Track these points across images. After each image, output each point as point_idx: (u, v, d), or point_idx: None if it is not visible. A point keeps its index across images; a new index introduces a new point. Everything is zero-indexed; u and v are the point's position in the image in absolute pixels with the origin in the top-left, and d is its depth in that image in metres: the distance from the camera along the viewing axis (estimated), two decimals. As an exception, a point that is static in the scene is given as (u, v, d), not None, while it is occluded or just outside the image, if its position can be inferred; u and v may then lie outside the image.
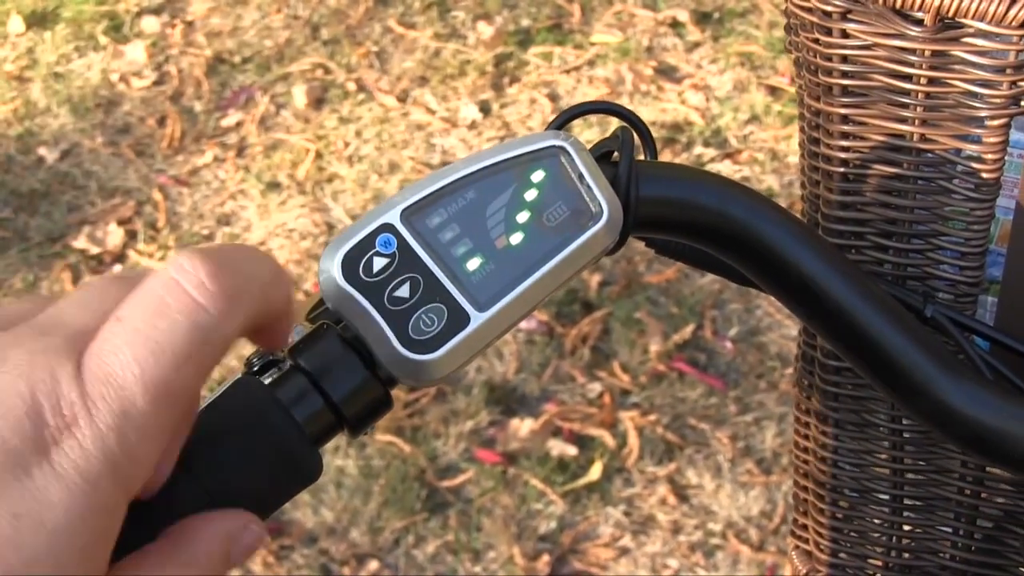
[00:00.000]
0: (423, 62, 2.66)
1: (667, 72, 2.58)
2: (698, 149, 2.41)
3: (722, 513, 1.86)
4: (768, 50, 2.59)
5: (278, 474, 0.49)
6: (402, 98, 2.58)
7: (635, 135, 0.58)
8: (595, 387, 2.02)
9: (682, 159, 2.38)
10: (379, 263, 0.51)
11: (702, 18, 2.70)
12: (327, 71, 2.66)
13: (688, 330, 2.08)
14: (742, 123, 2.46)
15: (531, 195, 0.53)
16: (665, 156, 2.39)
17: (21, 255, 2.32)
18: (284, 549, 1.84)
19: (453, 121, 2.52)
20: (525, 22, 2.73)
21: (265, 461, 0.48)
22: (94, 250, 2.32)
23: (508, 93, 2.57)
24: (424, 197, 0.52)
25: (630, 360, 2.05)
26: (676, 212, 0.58)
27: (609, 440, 1.94)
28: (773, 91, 2.51)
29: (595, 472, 1.91)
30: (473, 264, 0.51)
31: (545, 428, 1.96)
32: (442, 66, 2.65)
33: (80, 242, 2.33)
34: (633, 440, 1.94)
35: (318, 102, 2.59)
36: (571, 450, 1.93)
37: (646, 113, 2.47)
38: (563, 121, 0.59)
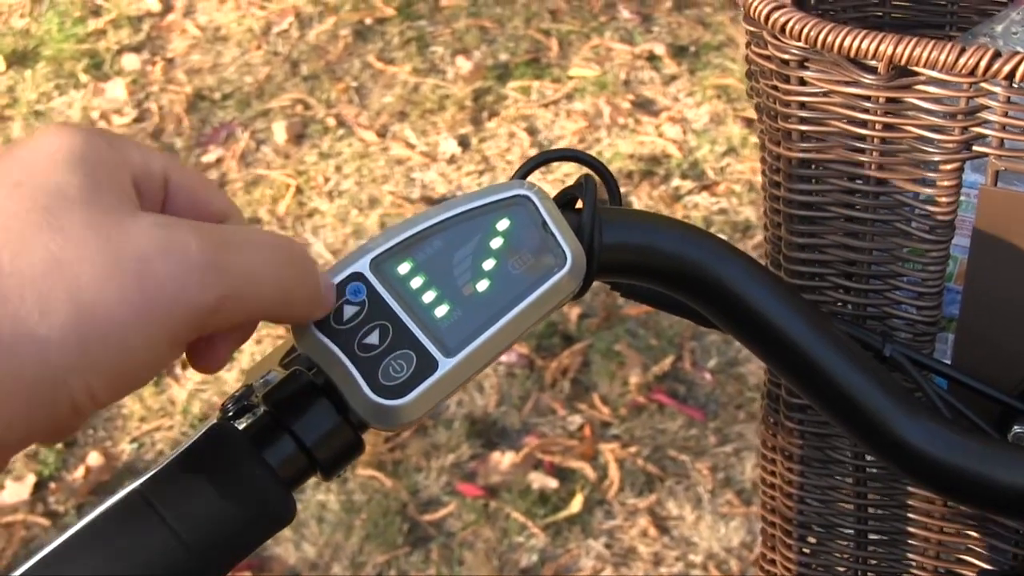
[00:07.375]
0: (402, 97, 2.68)
1: (644, 105, 2.61)
2: (676, 181, 2.43)
3: (703, 544, 1.87)
4: (744, 83, 2.61)
5: (252, 518, 0.50)
6: (382, 133, 2.60)
7: (600, 181, 0.60)
8: (575, 419, 2.03)
9: (660, 191, 2.40)
10: (349, 311, 0.52)
11: (678, 52, 2.73)
12: (307, 107, 2.68)
13: (667, 362, 2.09)
14: (719, 155, 2.48)
15: (496, 243, 0.54)
16: (643, 189, 2.41)
17: (2, 293, 2.32)
18: (266, 585, 1.84)
19: (432, 155, 2.54)
20: (503, 56, 2.75)
21: (239, 505, 0.49)
22: (75, 287, 2.32)
23: (487, 127, 2.59)
24: (393, 246, 0.53)
25: (610, 392, 2.06)
26: (638, 257, 0.59)
27: (590, 472, 1.95)
28: (749, 123, 2.54)
29: (576, 505, 1.92)
30: (441, 311, 0.53)
31: (526, 461, 1.97)
32: (421, 101, 2.67)
33: (61, 279, 2.34)
34: (614, 472, 1.95)
35: (298, 138, 2.61)
36: (552, 483, 1.94)
37: (624, 146, 2.49)
38: (528, 170, 0.60)
